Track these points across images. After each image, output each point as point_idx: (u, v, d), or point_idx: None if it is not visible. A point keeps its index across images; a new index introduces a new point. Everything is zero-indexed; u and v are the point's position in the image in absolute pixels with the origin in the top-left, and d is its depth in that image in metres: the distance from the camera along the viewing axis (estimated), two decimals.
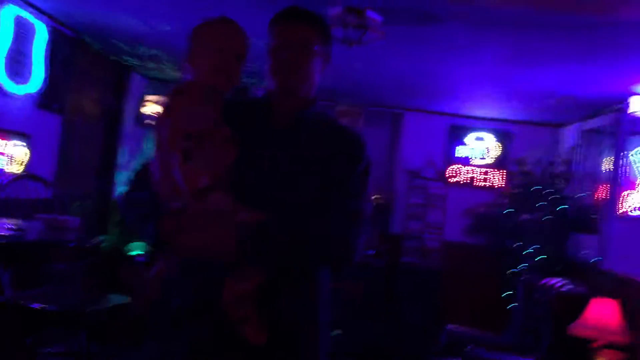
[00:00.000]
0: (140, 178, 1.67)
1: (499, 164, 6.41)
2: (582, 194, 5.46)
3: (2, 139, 4.04)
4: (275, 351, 1.56)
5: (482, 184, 6.39)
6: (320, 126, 1.73)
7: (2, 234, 2.12)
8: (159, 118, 1.58)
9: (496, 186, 6.34)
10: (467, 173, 6.42)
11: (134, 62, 5.73)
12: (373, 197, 6.42)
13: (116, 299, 3.05)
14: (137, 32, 4.65)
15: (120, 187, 5.74)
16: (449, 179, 6.34)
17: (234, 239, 1.47)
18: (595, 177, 5.25)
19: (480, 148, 6.43)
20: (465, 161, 6.43)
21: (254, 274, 1.51)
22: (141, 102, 6.25)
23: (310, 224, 1.58)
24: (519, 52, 3.96)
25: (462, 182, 6.40)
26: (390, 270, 6.04)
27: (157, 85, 6.27)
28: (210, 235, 1.48)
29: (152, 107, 6.20)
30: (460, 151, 6.44)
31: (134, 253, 5.02)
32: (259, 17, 3.49)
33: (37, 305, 2.72)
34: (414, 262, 6.07)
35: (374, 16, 3.44)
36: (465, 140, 6.44)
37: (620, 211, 4.55)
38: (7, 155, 4.10)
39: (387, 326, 5.95)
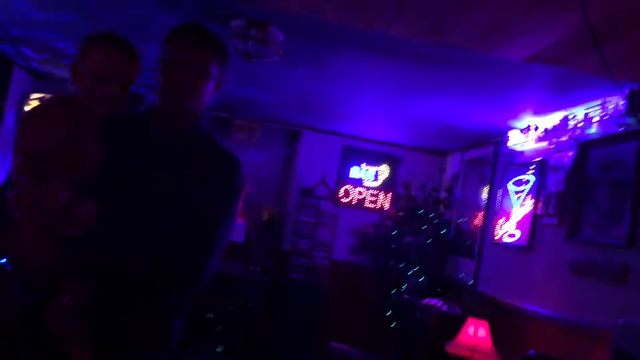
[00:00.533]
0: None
1: (387, 186, 6.63)
2: (461, 220, 5.79)
3: None
4: None
5: (372, 205, 6.58)
6: (198, 145, 1.70)
7: None
8: (17, 134, 1.59)
9: (384, 208, 6.55)
10: (358, 194, 6.59)
11: (11, 54, 5.31)
12: (263, 213, 6.42)
13: None
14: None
15: None
16: (341, 199, 6.48)
17: (57, 251, 1.47)
18: (474, 204, 5.59)
19: (371, 170, 6.63)
20: (358, 182, 6.60)
21: (78, 288, 1.48)
22: (24, 101, 5.86)
23: (150, 241, 1.55)
24: (408, 81, 4.16)
25: (353, 202, 6.55)
26: (273, 287, 6.04)
27: (43, 84, 5.91)
28: (35, 246, 1.48)
29: None
30: (353, 172, 6.60)
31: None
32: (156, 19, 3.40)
33: None
34: (300, 279, 6.11)
35: (276, 32, 3.48)
36: (359, 161, 6.62)
37: (495, 237, 4.87)
38: None
39: (267, 343, 5.93)
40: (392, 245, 5.87)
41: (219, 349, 5.70)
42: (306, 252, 6.25)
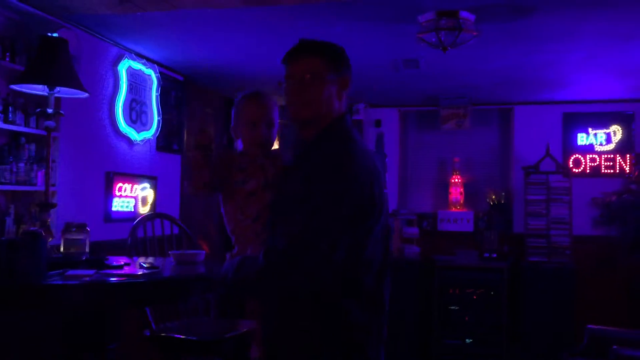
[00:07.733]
0: None
1: (624, 147, 5.98)
2: None
3: (132, 183, 4.38)
4: None
5: (609, 171, 6.00)
6: (311, 151, 1.71)
7: (141, 272, 2.30)
8: None
9: (626, 172, 5.92)
10: (591, 162, 6.06)
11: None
12: (489, 198, 6.22)
13: (248, 324, 3.19)
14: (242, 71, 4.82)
15: None
16: (572, 170, 6.00)
17: None
18: None
19: (601, 133, 6.05)
20: (588, 149, 6.08)
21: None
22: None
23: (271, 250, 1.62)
24: (629, 24, 3.70)
25: (586, 171, 6.05)
26: (513, 272, 5.79)
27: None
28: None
29: None
30: (580, 139, 6.09)
31: None
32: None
33: (178, 336, 2.91)
34: (540, 261, 5.77)
35: (467, 16, 3.37)
36: (584, 127, 6.08)
37: None
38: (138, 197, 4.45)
39: (514, 330, 5.70)
40: None
41: (468, 341, 5.65)
42: (542, 232, 5.89)
